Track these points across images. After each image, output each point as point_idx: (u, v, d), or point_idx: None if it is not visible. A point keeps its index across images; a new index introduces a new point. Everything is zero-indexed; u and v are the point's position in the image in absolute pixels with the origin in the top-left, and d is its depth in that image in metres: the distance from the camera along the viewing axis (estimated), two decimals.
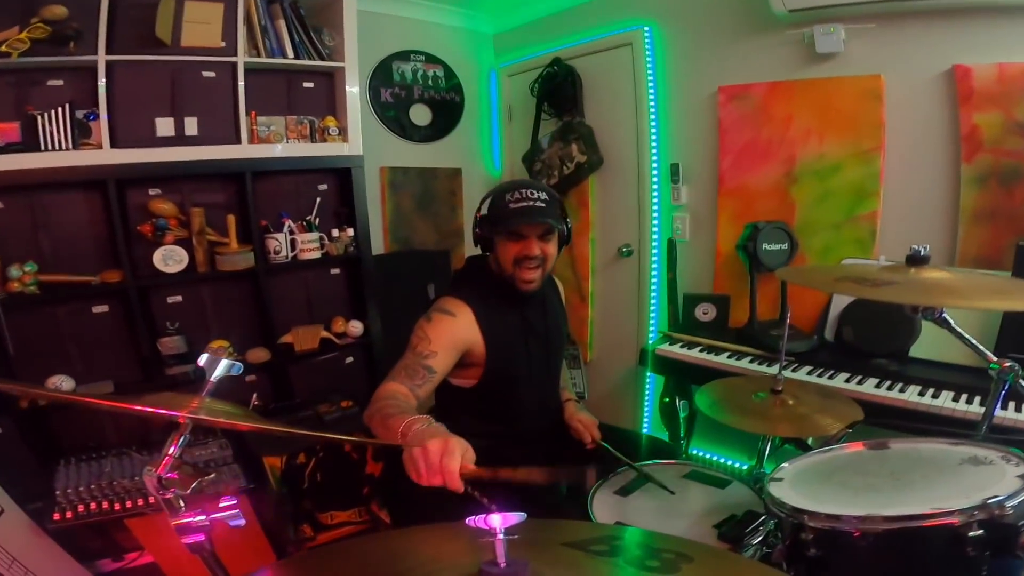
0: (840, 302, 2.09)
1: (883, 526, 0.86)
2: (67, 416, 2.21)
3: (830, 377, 1.88)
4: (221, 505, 0.77)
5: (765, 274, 2.25)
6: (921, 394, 1.71)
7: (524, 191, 1.43)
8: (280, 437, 2.07)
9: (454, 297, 1.49)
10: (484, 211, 1.49)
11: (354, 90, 2.59)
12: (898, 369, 1.85)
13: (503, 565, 0.60)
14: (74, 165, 2.02)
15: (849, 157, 2.11)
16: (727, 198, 2.46)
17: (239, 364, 0.89)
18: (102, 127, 2.04)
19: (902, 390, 1.74)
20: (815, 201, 2.23)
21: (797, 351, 2.00)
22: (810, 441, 2.04)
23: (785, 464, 1.10)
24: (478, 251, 1.59)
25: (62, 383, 2.15)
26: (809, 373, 1.93)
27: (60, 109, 1.99)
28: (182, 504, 0.76)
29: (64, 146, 2.00)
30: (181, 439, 0.78)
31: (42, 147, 1.98)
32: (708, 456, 2.65)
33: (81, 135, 2.05)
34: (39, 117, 1.98)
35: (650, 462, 1.59)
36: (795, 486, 1.02)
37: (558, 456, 1.74)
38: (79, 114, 2.06)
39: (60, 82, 2.09)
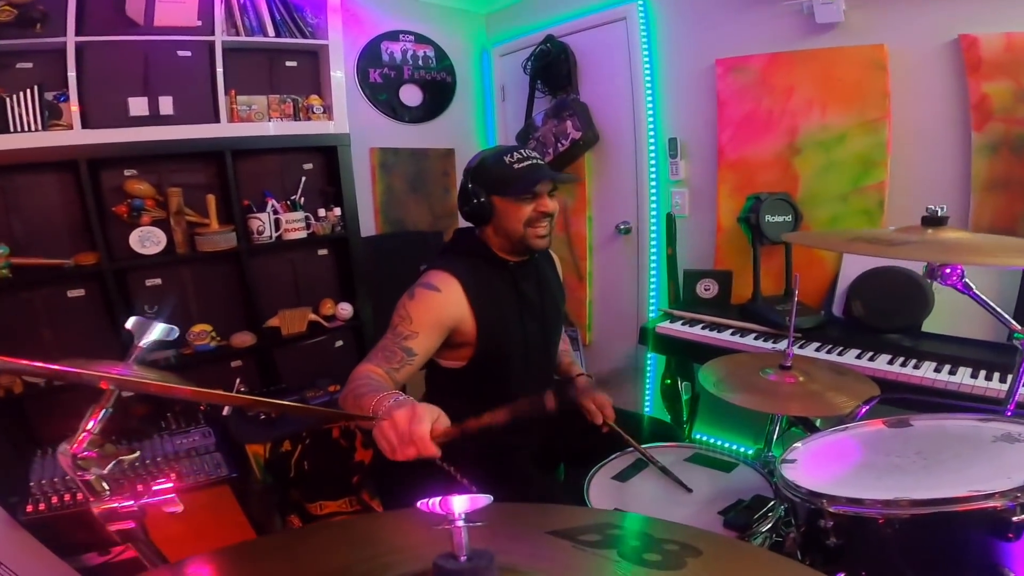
0: (848, 275, 2.00)
1: (912, 511, 0.78)
2: (45, 405, 2.14)
3: (840, 354, 1.79)
4: (154, 489, 0.67)
5: (768, 247, 2.15)
6: (937, 370, 1.63)
7: (521, 151, 1.39)
8: (263, 424, 1.99)
9: (441, 270, 1.40)
10: (478, 181, 1.41)
11: (339, 68, 2.53)
12: (911, 344, 1.77)
13: (463, 559, 0.50)
14: (44, 146, 1.97)
15: (854, 127, 2.04)
16: (727, 171, 2.38)
17: (175, 328, 0.80)
18: (72, 108, 1.99)
19: (916, 366, 1.66)
20: (819, 172, 2.16)
21: (804, 327, 1.90)
22: (818, 423, 1.97)
23: (798, 445, 1.01)
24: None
25: None
26: (817, 350, 1.83)
27: (29, 91, 1.94)
28: (106, 487, 0.66)
29: (33, 127, 1.95)
30: (102, 412, 0.68)
31: (11, 128, 1.93)
32: (712, 441, 2.57)
33: (52, 116, 2.00)
34: (7, 100, 1.92)
35: (652, 444, 1.51)
36: (810, 468, 0.93)
37: (558, 441, 1.66)
38: (49, 96, 2.01)
39: (29, 65, 2.04)
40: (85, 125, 2.02)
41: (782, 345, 1.88)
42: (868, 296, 1.92)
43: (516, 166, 1.37)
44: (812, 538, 0.89)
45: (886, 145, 2.00)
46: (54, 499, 1.75)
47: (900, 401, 1.52)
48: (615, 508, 1.26)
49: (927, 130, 1.95)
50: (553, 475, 1.77)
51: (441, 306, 1.36)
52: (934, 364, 1.66)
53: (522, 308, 1.50)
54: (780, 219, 2.13)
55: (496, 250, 1.48)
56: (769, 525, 1.14)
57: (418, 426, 0.87)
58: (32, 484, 1.79)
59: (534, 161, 1.39)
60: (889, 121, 1.98)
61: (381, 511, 2.15)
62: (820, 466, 0.93)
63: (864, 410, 1.19)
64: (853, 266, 2.00)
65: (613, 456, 1.47)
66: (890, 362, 1.70)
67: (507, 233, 1.42)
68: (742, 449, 2.46)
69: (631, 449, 1.49)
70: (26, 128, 1.93)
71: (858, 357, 1.75)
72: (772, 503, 1.17)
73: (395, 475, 0.97)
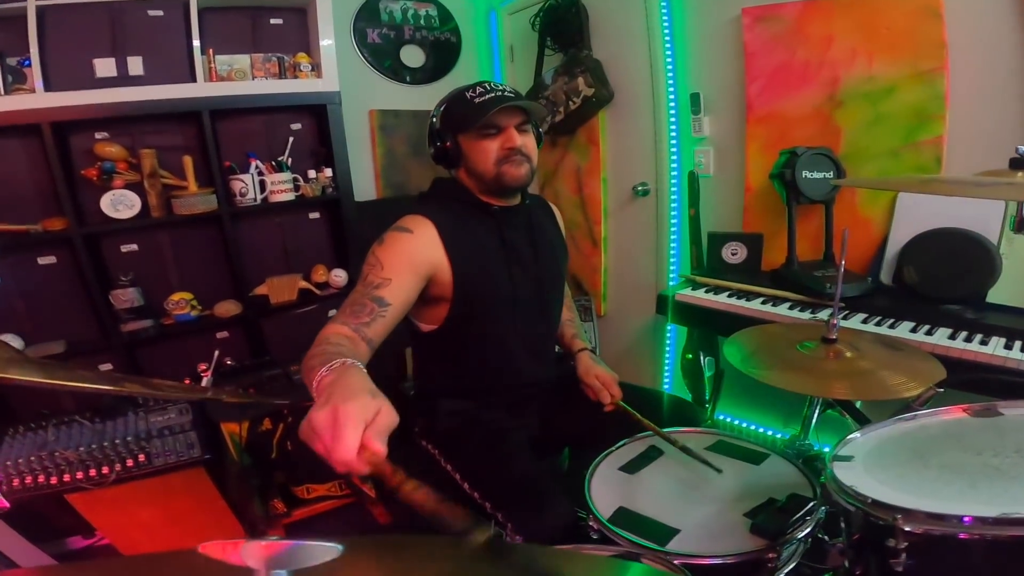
0: (900, 238, 1.73)
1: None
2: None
3: (890, 327, 1.54)
4: None
5: (806, 207, 1.90)
6: (1008, 347, 1.37)
7: (485, 85, 1.25)
8: (237, 402, 1.82)
9: (414, 214, 1.25)
10: (443, 122, 1.29)
11: (328, 24, 2.35)
12: (975, 317, 1.50)
13: None
14: (5, 110, 1.88)
15: (905, 79, 1.80)
16: (757, 126, 2.14)
17: None
18: (35, 72, 1.91)
19: (983, 342, 1.40)
20: (865, 126, 1.90)
21: (848, 296, 1.65)
22: (858, 404, 1.73)
23: (855, 436, 0.78)
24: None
25: (8, 342, 1.93)
26: (864, 322, 1.58)
27: None
28: None
29: None
30: None
31: None
32: (738, 423, 2.34)
33: (15, 81, 1.92)
34: None
35: (669, 429, 1.29)
36: (872, 469, 0.71)
37: (561, 421, 1.46)
38: (12, 62, 1.93)
39: None
40: (48, 88, 1.94)
41: (821, 316, 1.65)
42: (923, 262, 1.66)
43: (476, 100, 1.22)
44: (872, 557, 0.67)
45: (944, 97, 1.75)
46: (15, 482, 1.60)
47: (968, 384, 1.29)
48: (619, 506, 1.06)
49: (991, 81, 1.70)
50: (554, 462, 1.57)
51: (414, 248, 1.20)
52: (1003, 340, 1.39)
53: (509, 258, 1.31)
54: (820, 175, 1.87)
55: (477, 193, 1.31)
56: (807, 530, 0.93)
57: (339, 445, 0.62)
58: None
59: (497, 93, 1.22)
60: (947, 71, 1.73)
61: (373, 495, 1.99)
62: (886, 465, 0.71)
63: (929, 395, 0.95)
64: (906, 227, 1.74)
65: (622, 443, 1.27)
66: (951, 336, 1.44)
67: (479, 174, 1.28)
68: (770, 433, 2.24)
69: (643, 435, 1.28)
70: None
71: (912, 331, 1.50)
72: (812, 504, 0.95)
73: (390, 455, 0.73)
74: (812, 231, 1.95)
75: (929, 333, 1.48)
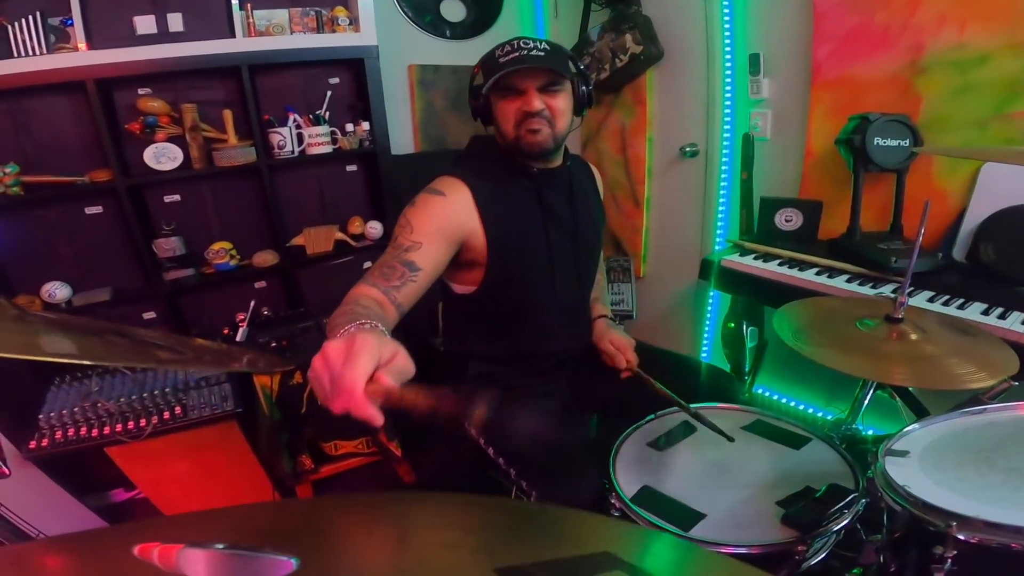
0: (979, 213, 1.57)
1: None
2: None
3: (959, 307, 1.40)
4: None
5: (874, 175, 1.73)
6: None
7: (517, 42, 1.18)
8: (272, 352, 1.84)
9: (448, 175, 1.21)
10: (476, 76, 1.25)
11: None
12: None
13: None
14: (50, 68, 1.91)
15: (1001, 48, 1.62)
16: (824, 91, 1.97)
17: None
18: (77, 30, 1.94)
19: None
20: (950, 95, 1.72)
21: (915, 271, 1.51)
22: (911, 388, 1.60)
23: (913, 428, 0.69)
24: None
25: (56, 290, 2.01)
26: (931, 300, 1.45)
27: (31, 17, 1.89)
28: None
29: (38, 52, 1.91)
30: None
31: (15, 55, 1.89)
32: (777, 399, 2.23)
33: (58, 41, 1.95)
34: (9, 27, 1.87)
35: (703, 405, 1.23)
36: (929, 467, 0.63)
37: (590, 389, 1.42)
38: (54, 21, 1.95)
39: None
40: (91, 47, 1.96)
41: (883, 292, 1.52)
42: (1003, 239, 1.50)
43: (502, 59, 1.16)
44: (911, 560, 0.59)
45: None
46: (58, 434, 1.65)
47: None
48: (644, 485, 1.01)
49: None
50: (583, 429, 1.53)
51: (446, 212, 1.16)
52: None
53: (546, 220, 1.26)
54: (894, 143, 1.70)
55: (515, 155, 1.25)
56: (843, 523, 0.85)
57: (350, 369, 0.58)
58: (41, 417, 1.71)
59: (525, 52, 1.15)
60: None
61: (399, 455, 2.01)
62: (945, 465, 0.63)
63: (1002, 388, 0.84)
64: (987, 202, 1.57)
65: (651, 417, 1.21)
66: None
67: (503, 135, 1.23)
68: (811, 410, 2.12)
69: (673, 410, 1.22)
70: (31, 53, 1.90)
71: (984, 313, 1.36)
72: (852, 497, 0.87)
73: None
74: (878, 201, 1.80)
75: (1002, 317, 1.34)
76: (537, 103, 1.16)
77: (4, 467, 0.62)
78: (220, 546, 0.30)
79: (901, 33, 1.78)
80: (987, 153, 1.44)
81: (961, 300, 1.42)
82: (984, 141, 1.67)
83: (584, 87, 1.25)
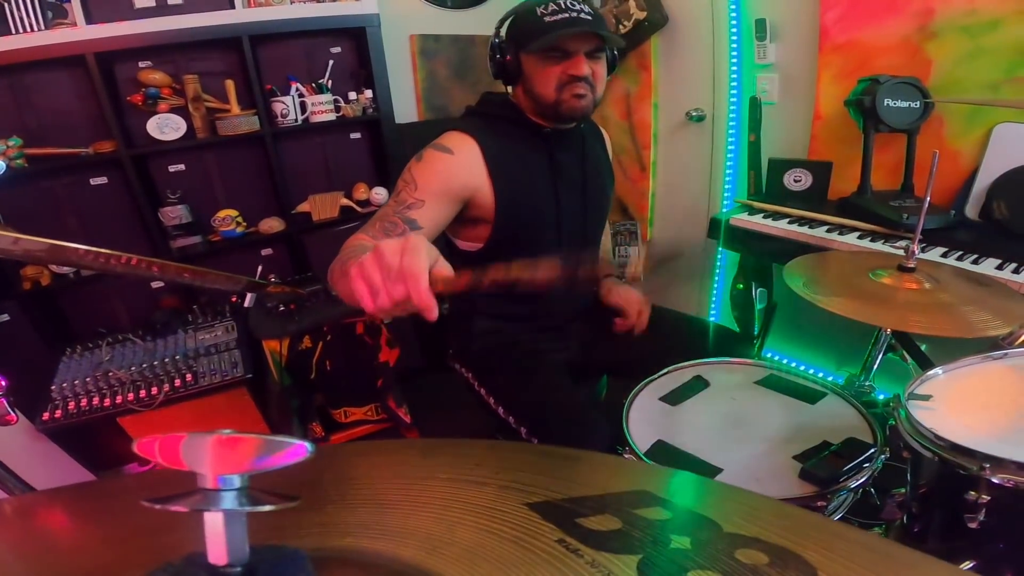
0: (993, 170, 1.56)
1: None
2: (75, 298, 2.13)
3: (973, 262, 1.40)
4: None
5: (885, 136, 1.71)
6: None
7: (563, 2, 1.11)
8: (280, 317, 1.84)
9: (457, 130, 1.18)
10: (508, 34, 1.20)
11: None
12: None
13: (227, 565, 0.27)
14: (49, 44, 1.88)
15: (1012, 14, 1.60)
16: (832, 55, 1.94)
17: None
18: (75, 6, 1.92)
19: None
20: (961, 59, 1.70)
21: (927, 228, 1.50)
22: (923, 348, 1.60)
23: (935, 371, 0.69)
24: None
25: None
26: (944, 255, 1.44)
27: None
28: None
29: (36, 28, 1.89)
30: None
31: (12, 31, 1.87)
32: (787, 362, 2.23)
33: (56, 16, 1.92)
34: (5, 4, 1.84)
35: (713, 360, 1.23)
36: (957, 411, 0.62)
37: (600, 348, 1.42)
38: None
39: None
40: (90, 21, 1.94)
41: (896, 248, 1.51)
42: (1017, 196, 1.49)
43: (548, 18, 1.11)
44: (939, 512, 0.60)
45: None
46: (71, 405, 1.65)
47: None
48: (658, 439, 1.01)
49: None
50: (592, 390, 1.54)
51: (452, 171, 1.13)
52: None
53: (556, 182, 1.24)
54: (904, 104, 1.68)
55: (530, 114, 1.22)
56: (861, 480, 0.85)
57: (413, 258, 0.59)
58: (53, 388, 1.72)
59: (575, 13, 1.10)
60: None
61: (408, 421, 2.02)
62: (972, 408, 0.62)
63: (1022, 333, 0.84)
64: (1000, 160, 1.56)
65: (664, 371, 1.21)
66: None
67: (537, 97, 1.19)
68: (821, 374, 2.13)
69: (687, 364, 1.22)
70: (28, 30, 1.87)
71: (998, 268, 1.36)
72: (871, 451, 0.88)
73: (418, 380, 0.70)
74: (889, 161, 1.78)
75: (1017, 271, 1.33)
76: (586, 68, 1.13)
77: (11, 413, 0.62)
78: (227, 431, 0.29)
79: None
80: (1005, 103, 1.45)
81: (975, 255, 1.42)
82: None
83: (615, 52, 1.23)
